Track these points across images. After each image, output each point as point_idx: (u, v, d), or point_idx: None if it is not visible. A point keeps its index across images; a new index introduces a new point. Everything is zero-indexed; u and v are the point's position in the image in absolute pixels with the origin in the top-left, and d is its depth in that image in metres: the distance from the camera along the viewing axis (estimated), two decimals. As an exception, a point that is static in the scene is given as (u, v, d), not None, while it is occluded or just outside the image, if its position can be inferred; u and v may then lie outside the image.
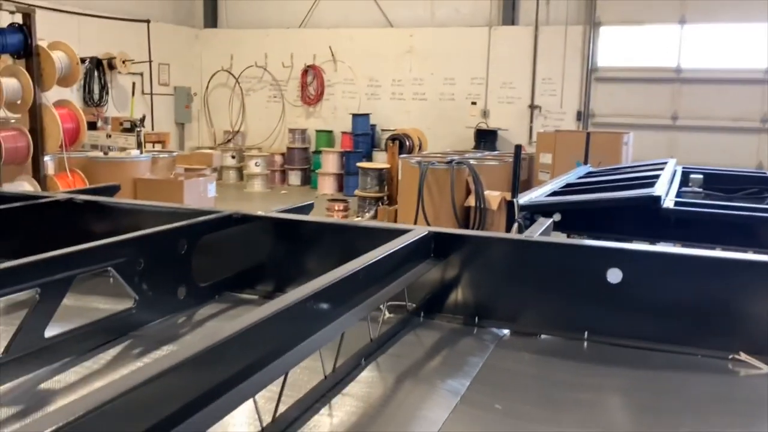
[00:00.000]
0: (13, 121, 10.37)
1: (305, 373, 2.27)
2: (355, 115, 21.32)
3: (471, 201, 12.59)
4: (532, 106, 20.66)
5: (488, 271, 2.96)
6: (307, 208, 3.69)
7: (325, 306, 2.01)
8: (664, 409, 2.16)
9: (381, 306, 2.89)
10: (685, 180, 6.86)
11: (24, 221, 3.37)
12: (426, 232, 2.94)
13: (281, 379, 1.94)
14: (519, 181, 10.29)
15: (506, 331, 2.83)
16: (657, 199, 4.91)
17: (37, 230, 3.16)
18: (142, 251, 2.67)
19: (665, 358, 2.56)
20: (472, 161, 13.14)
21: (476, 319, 2.92)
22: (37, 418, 1.08)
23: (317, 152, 22.42)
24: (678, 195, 5.89)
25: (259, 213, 3.32)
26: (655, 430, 2.01)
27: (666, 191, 5.54)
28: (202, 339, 1.48)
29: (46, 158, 10.28)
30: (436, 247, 2.98)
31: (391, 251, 2.54)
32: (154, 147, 16.39)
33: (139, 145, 12.58)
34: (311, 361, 2.39)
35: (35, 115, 9.85)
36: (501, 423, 2.04)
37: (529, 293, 2.86)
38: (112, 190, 4.08)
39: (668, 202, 5.16)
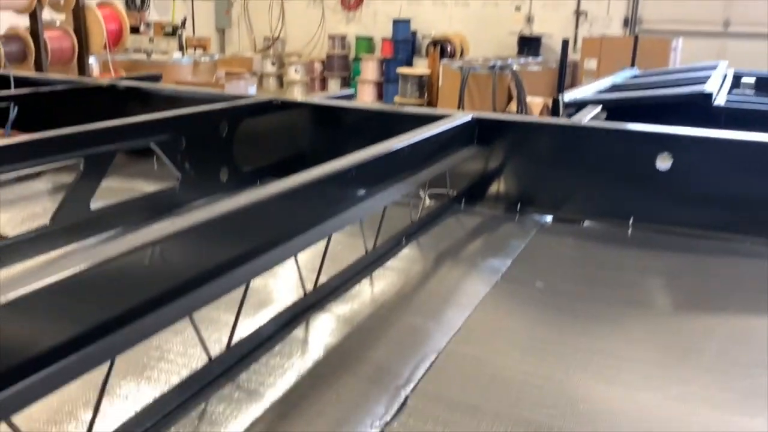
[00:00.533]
0: (57, 22, 10.29)
1: (347, 250, 2.24)
2: (395, 21, 20.62)
3: (512, 107, 12.23)
4: (578, 12, 19.65)
5: (533, 157, 2.84)
6: (348, 97, 3.58)
7: (367, 178, 1.95)
8: (711, 291, 2.08)
9: (421, 193, 2.82)
10: (736, 83, 6.49)
11: (68, 105, 3.35)
12: (470, 118, 2.82)
13: (322, 250, 1.91)
14: (564, 81, 9.90)
15: (549, 218, 2.75)
16: (708, 96, 4.65)
17: (80, 114, 3.11)
18: (183, 130, 2.62)
19: (713, 245, 2.46)
20: (514, 66, 12.68)
21: (518, 206, 2.84)
22: (87, 252, 1.05)
23: (357, 59, 21.92)
24: (729, 95, 5.59)
25: (300, 99, 3.23)
26: (702, 310, 1.93)
27: (717, 89, 5.25)
28: (247, 195, 1.43)
29: (91, 59, 10.24)
30: (479, 133, 2.87)
31: (435, 132, 2.44)
32: (195, 52, 16.20)
33: (181, 48, 12.43)
34: (352, 239, 2.36)
35: (79, 15, 9.73)
36: (542, 298, 1.99)
37: (574, 180, 2.75)
38: (153, 79, 4.02)
39: (720, 100, 4.90)
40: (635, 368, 1.58)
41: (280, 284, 2.01)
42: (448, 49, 17.57)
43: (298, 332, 1.71)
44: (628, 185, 2.67)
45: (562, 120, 2.81)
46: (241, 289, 1.54)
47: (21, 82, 3.68)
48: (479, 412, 1.39)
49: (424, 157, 2.40)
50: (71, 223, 2.18)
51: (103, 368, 1.17)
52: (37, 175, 3.33)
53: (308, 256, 2.12)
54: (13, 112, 3.29)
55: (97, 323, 1.08)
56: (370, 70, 20.51)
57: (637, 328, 1.82)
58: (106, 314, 1.09)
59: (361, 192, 1.93)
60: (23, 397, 0.92)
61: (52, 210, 2.32)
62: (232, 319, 1.55)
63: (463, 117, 2.78)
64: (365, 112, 3.18)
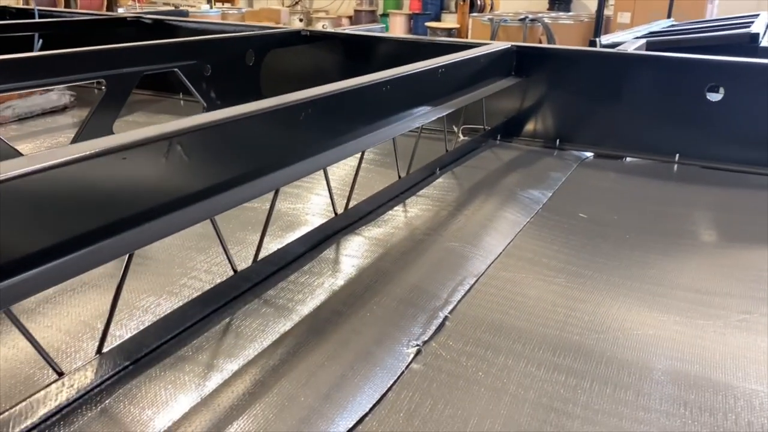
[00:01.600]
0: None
1: (378, 177, 2.12)
2: (424, -25, 20.07)
3: (541, 62, 11.83)
4: (611, -35, 18.92)
5: (574, 90, 2.66)
6: (378, 30, 3.41)
7: (401, 96, 1.80)
8: (758, 222, 1.91)
9: (455, 127, 2.67)
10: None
11: (93, 36, 3.22)
12: (509, 46, 2.64)
13: (353, 175, 1.79)
14: (600, 32, 9.49)
15: (589, 154, 2.59)
16: (755, 37, 4.37)
17: (105, 44, 2.99)
18: (208, 56, 2.49)
19: (762, 180, 2.28)
20: (546, 19, 12.24)
21: (557, 142, 2.68)
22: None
23: (384, 15, 21.48)
24: (775, 41, 5.27)
25: (329, 30, 3.07)
26: (755, 243, 1.77)
27: (763, 32, 4.95)
28: (275, 99, 1.30)
29: (120, 11, 10.11)
30: (518, 63, 2.69)
31: (472, 56, 2.27)
32: (223, 5, 15.96)
33: (209, 1, 12.21)
34: (384, 168, 2.23)
35: (108, -35, 9.58)
36: (587, 228, 1.84)
37: (618, 114, 2.57)
38: (180, 14, 3.87)
39: (767, 41, 4.61)
40: (690, 297, 1.44)
41: (310, 208, 1.89)
42: (478, 3, 17.04)
43: (329, 252, 1.59)
44: (675, 120, 2.49)
45: (606, 49, 2.61)
46: (266, 210, 1.42)
47: (45, 15, 3.56)
48: (524, 335, 1.27)
49: (460, 83, 2.24)
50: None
51: (108, 286, 1.07)
52: (63, 109, 3.24)
53: (338, 181, 2.00)
54: (38, 44, 3.18)
55: (112, 218, 0.96)
56: (398, 26, 20.06)
57: (689, 258, 1.67)
58: (121, 209, 0.97)
59: (395, 110, 1.79)
60: (33, 284, 0.81)
61: (74, 131, 2.22)
62: (265, 239, 1.43)
63: (501, 45, 2.60)
64: (397, 42, 3.00)
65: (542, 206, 1.98)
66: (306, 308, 1.32)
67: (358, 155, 1.76)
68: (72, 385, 1.00)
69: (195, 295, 1.31)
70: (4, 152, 1.87)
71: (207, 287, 1.36)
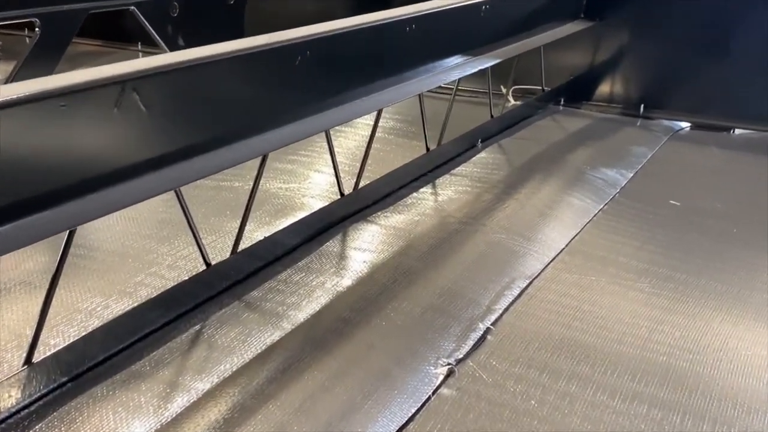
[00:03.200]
0: None
1: (400, 150, 2.13)
2: None
3: None
4: None
5: (667, 39, 2.61)
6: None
7: (429, 41, 1.80)
8: None
9: (503, 87, 2.68)
10: None
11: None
12: (576, -22, 2.64)
13: (363, 150, 1.80)
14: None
15: (685, 124, 2.58)
16: None
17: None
18: (176, -9, 2.51)
19: None
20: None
21: (641, 108, 2.67)
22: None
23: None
24: None
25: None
26: None
27: None
28: (262, 38, 1.31)
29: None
30: (590, 2, 2.69)
31: (527, -9, 2.28)
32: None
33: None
34: (407, 138, 2.25)
35: None
36: (678, 218, 1.84)
37: (728, 72, 2.54)
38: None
39: None
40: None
41: (308, 188, 1.90)
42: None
43: (332, 244, 1.60)
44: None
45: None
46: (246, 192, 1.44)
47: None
48: (592, 354, 1.27)
49: (511, 26, 2.25)
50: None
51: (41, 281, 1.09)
52: (-16, 64, 3.29)
53: (346, 155, 2.02)
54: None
55: (46, 187, 0.98)
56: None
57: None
58: (58, 174, 0.99)
59: (421, 58, 1.79)
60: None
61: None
62: (247, 227, 1.45)
63: (566, -22, 2.60)
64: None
65: (620, 190, 1.98)
66: (301, 314, 1.34)
67: (372, 118, 1.77)
68: (-8, 404, 1.02)
69: (155, 295, 1.32)
70: None
71: (171, 286, 1.38)
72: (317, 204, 1.78)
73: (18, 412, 1.04)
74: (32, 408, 1.05)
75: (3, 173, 0.93)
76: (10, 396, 1.04)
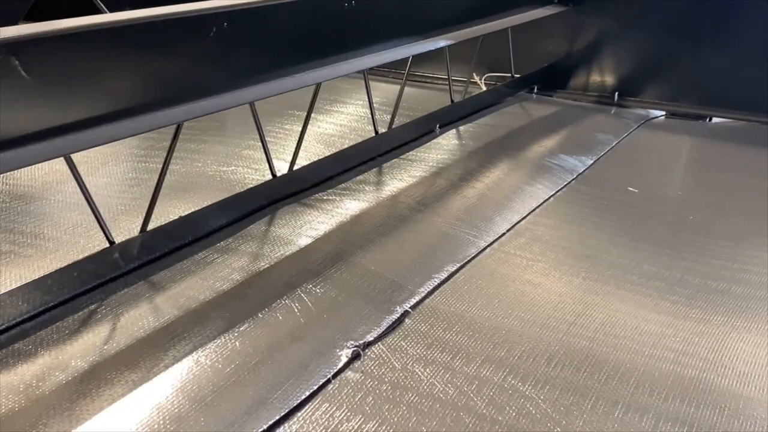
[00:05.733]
0: None
1: (355, 136, 2.08)
2: None
3: None
4: None
5: (645, 24, 2.55)
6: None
7: (377, 19, 1.76)
8: None
9: (475, 76, 2.63)
10: None
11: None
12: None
13: (298, 130, 1.76)
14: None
15: (660, 113, 2.52)
16: None
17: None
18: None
19: None
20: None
21: (615, 96, 2.61)
22: None
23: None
24: None
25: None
26: None
27: None
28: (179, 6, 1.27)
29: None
30: (563, -15, 2.64)
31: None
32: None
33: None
34: (355, 121, 2.19)
35: None
36: (634, 205, 1.78)
37: (704, 62, 2.47)
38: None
39: None
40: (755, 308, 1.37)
41: (235, 169, 1.86)
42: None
43: (258, 226, 1.56)
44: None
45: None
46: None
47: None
48: (511, 338, 1.23)
49: (475, 8, 2.20)
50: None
51: None
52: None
53: (281, 135, 1.98)
54: None
55: None
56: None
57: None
58: None
59: (365, 38, 1.75)
60: None
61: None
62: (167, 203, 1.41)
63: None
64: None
65: (576, 176, 1.93)
66: (205, 295, 1.30)
67: (310, 93, 1.73)
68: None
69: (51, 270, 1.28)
70: None
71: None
72: (243, 180, 1.75)
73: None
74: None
75: None
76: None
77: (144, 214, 1.40)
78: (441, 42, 1.98)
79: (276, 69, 1.52)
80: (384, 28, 1.82)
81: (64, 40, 1.11)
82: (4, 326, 1.15)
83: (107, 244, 1.32)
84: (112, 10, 1.35)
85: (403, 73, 2.04)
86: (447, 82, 2.28)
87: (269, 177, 1.69)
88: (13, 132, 1.05)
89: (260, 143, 1.63)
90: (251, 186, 1.66)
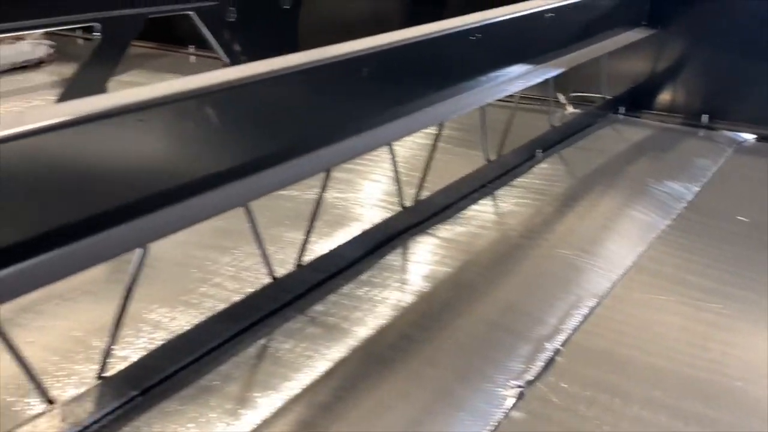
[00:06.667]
0: None
1: (458, 160, 2.12)
2: None
3: None
4: None
5: (732, 46, 2.56)
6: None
7: (494, 49, 1.80)
8: None
9: (561, 97, 2.66)
10: None
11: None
12: (639, -15, 2.62)
13: (425, 157, 1.80)
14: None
15: (750, 136, 2.53)
16: None
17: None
18: (233, -6, 2.54)
19: None
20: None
21: (703, 118, 2.63)
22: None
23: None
24: None
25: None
26: None
27: None
28: (328, 49, 1.31)
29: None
30: (653, 9, 2.66)
31: (589, -1, 2.26)
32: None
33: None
34: (466, 148, 2.23)
35: None
36: (749, 235, 1.80)
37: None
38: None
39: None
40: None
41: (364, 198, 1.91)
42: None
43: (393, 257, 1.60)
44: None
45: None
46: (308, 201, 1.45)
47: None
48: (664, 378, 1.25)
49: (574, 33, 2.23)
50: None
51: (119, 291, 1.10)
52: (38, 65, 3.35)
53: (403, 164, 2.01)
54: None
55: (121, 200, 0.99)
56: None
57: None
58: (133, 188, 1.00)
59: (485, 68, 1.79)
60: (19, 283, 0.84)
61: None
62: (301, 237, 1.46)
63: (629, -16, 2.57)
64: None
65: (686, 204, 1.95)
66: (365, 330, 1.34)
67: (434, 130, 1.77)
68: (66, 418, 1.03)
69: (220, 307, 1.34)
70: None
71: (235, 298, 1.39)
72: (373, 214, 1.79)
73: (91, 425, 1.06)
74: (103, 422, 1.07)
75: (80, 187, 0.94)
76: (84, 410, 1.06)
77: (299, 248, 1.45)
78: (551, 71, 2.02)
79: (411, 102, 1.56)
80: (500, 58, 1.85)
81: (251, 86, 1.15)
82: (187, 362, 1.20)
83: (270, 279, 1.38)
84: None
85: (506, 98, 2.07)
86: (538, 103, 2.33)
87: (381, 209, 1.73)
88: (196, 176, 1.09)
89: (355, 166, 1.66)
90: (384, 217, 1.71)
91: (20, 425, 1.01)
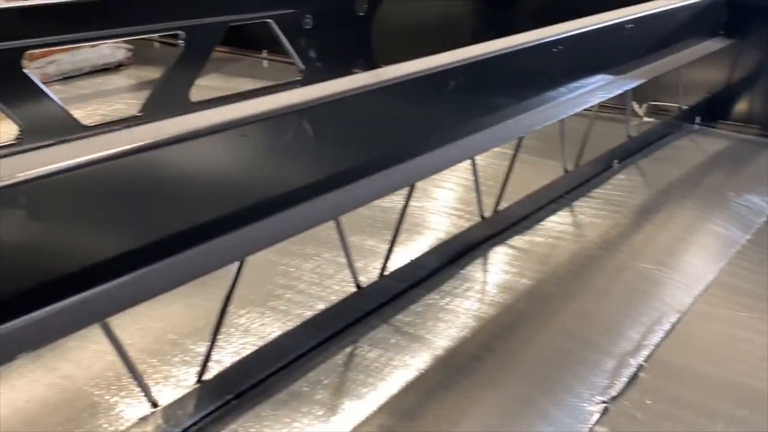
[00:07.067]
0: None
1: (537, 170, 2.11)
2: None
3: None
4: None
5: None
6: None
7: (576, 61, 1.80)
8: None
9: (635, 106, 2.64)
10: None
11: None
12: (718, -6, 2.58)
13: (505, 167, 1.81)
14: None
15: (831, 148, 2.49)
16: None
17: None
18: (311, 3, 2.58)
19: None
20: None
21: (782, 129, 2.60)
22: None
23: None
24: None
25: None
26: None
27: None
28: (397, 68, 1.33)
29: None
30: (731, 19, 2.62)
31: (670, 8, 2.23)
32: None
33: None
34: (542, 158, 2.23)
35: None
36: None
37: None
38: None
39: None
40: None
41: (439, 207, 1.92)
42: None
43: (473, 268, 1.62)
44: None
45: None
46: (392, 210, 1.47)
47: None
48: (752, 397, 1.25)
49: (653, 44, 2.21)
50: (166, 115, 2.19)
51: (211, 294, 1.14)
52: (117, 68, 3.44)
53: (482, 174, 2.03)
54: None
55: (221, 212, 1.03)
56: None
57: None
58: (233, 200, 1.04)
59: (566, 79, 1.79)
60: (118, 298, 0.87)
61: (136, 106, 2.36)
62: (382, 246, 1.49)
63: (708, -7, 2.54)
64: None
65: (766, 219, 1.93)
66: (446, 340, 1.36)
67: (513, 141, 1.78)
68: (168, 420, 1.07)
69: (307, 314, 1.37)
70: (60, 121, 2.01)
71: (319, 305, 1.42)
72: (448, 222, 1.82)
73: (189, 428, 1.10)
74: (201, 425, 1.11)
75: (184, 200, 0.98)
76: (184, 413, 1.10)
77: (383, 258, 1.47)
78: (631, 82, 2.02)
79: (493, 115, 1.57)
80: (581, 69, 1.85)
81: (346, 100, 1.18)
82: (278, 367, 1.24)
83: (354, 288, 1.41)
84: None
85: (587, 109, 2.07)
86: (612, 111, 2.32)
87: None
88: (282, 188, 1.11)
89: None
90: (459, 226, 1.72)
91: (129, 428, 1.06)
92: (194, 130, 0.97)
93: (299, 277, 1.55)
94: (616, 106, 2.43)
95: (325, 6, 2.66)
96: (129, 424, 1.09)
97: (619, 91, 1.98)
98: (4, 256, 0.76)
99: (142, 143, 0.90)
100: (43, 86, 2.00)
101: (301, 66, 2.63)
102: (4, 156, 0.80)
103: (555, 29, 1.71)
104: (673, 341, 1.40)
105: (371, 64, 2.85)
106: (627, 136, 2.30)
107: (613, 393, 1.24)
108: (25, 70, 1.92)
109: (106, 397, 1.17)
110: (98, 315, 0.89)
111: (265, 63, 3.51)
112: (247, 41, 3.51)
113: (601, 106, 2.39)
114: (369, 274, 1.51)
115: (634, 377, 1.29)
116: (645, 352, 1.35)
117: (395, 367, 1.27)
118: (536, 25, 1.73)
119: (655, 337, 1.40)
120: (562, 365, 1.31)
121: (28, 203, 0.80)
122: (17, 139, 1.93)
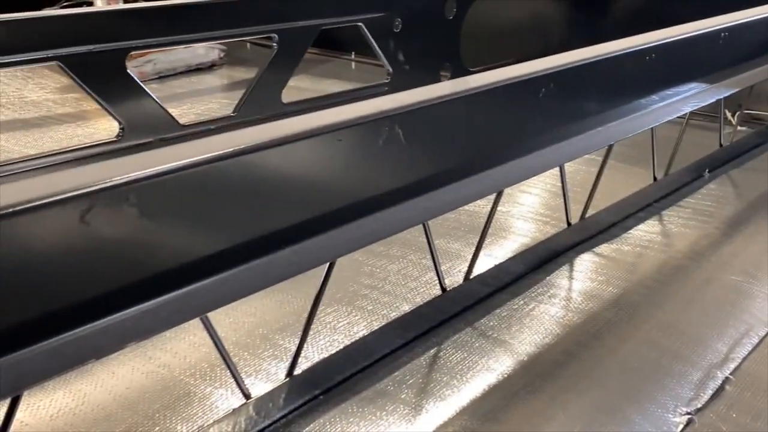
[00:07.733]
0: None
1: (625, 177, 2.11)
2: None
3: None
4: None
5: None
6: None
7: (668, 69, 1.79)
8: None
9: (728, 114, 2.59)
10: None
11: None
12: (818, 0, 2.51)
13: (593, 174, 1.81)
14: None
15: None
16: None
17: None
18: (400, 7, 2.61)
19: None
20: None
21: None
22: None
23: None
24: None
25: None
26: None
27: None
28: (511, 69, 1.35)
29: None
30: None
31: (764, 15, 2.19)
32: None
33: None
34: (632, 165, 2.22)
35: None
36: None
37: None
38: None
39: None
40: None
41: (522, 211, 1.94)
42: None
43: (558, 275, 1.62)
44: None
45: None
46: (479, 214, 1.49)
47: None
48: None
49: (748, 52, 2.17)
50: (260, 118, 2.26)
51: (299, 292, 1.19)
52: (210, 68, 3.55)
53: (568, 180, 2.03)
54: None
55: (313, 213, 1.06)
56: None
57: None
58: (325, 203, 1.07)
59: (658, 87, 1.78)
60: (218, 293, 0.92)
61: (229, 106, 2.44)
62: (467, 250, 1.51)
63: (807, 0, 2.48)
64: (650, -4, 2.96)
65: None
66: (529, 345, 1.37)
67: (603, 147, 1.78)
68: (260, 412, 1.12)
69: (393, 315, 1.40)
70: (159, 119, 2.10)
71: (404, 306, 1.45)
72: (532, 228, 1.82)
73: (278, 420, 1.14)
74: (289, 418, 1.15)
75: (282, 202, 1.02)
76: (275, 406, 1.14)
77: (469, 262, 1.50)
78: (725, 91, 1.99)
79: (583, 122, 1.58)
80: (673, 77, 1.84)
81: (437, 107, 1.20)
82: (364, 365, 1.27)
83: (440, 291, 1.43)
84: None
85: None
86: (701, 118, 2.30)
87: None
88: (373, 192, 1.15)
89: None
90: (542, 231, 1.73)
91: (223, 418, 1.11)
92: (292, 134, 1.01)
93: (385, 278, 1.59)
94: (708, 114, 2.40)
95: (414, 9, 2.69)
96: (222, 413, 1.14)
97: (712, 100, 1.95)
98: (116, 251, 0.81)
99: (242, 146, 0.95)
100: (143, 85, 2.09)
101: (389, 68, 2.66)
102: (110, 153, 0.85)
103: (648, 37, 1.70)
104: (761, 355, 1.39)
105: (458, 67, 2.87)
106: (719, 144, 2.26)
107: (699, 405, 1.24)
108: (128, 71, 2.01)
109: (201, 387, 1.22)
110: (200, 309, 0.94)
111: (353, 65, 3.57)
112: (335, 42, 3.57)
113: (693, 113, 2.36)
114: (454, 278, 1.53)
115: (720, 390, 1.28)
116: (732, 365, 1.34)
117: (479, 371, 1.29)
118: (626, 30, 1.72)
119: (743, 350, 1.38)
120: (647, 375, 1.31)
121: (139, 202, 0.84)
122: (118, 136, 2.03)
